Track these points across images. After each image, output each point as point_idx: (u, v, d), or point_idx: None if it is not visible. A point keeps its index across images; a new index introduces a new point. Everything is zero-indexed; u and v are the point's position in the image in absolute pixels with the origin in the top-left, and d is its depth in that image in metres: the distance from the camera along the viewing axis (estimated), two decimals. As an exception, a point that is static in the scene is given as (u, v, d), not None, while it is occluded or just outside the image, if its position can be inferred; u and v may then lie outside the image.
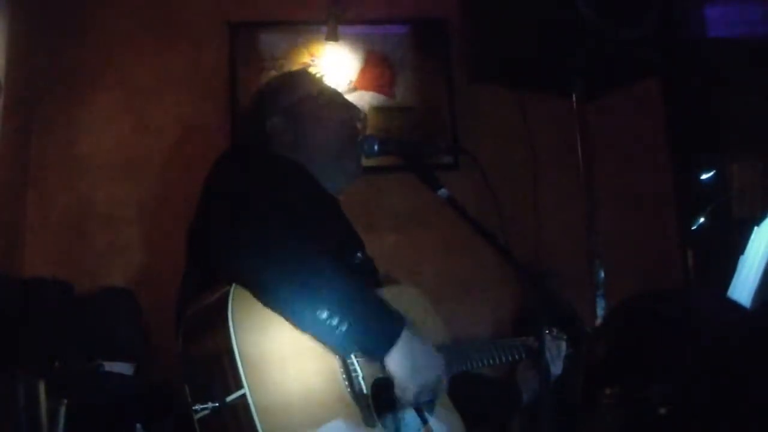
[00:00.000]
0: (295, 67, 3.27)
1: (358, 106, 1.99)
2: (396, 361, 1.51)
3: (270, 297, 1.44)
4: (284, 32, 3.37)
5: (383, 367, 1.54)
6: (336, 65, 3.35)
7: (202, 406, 1.38)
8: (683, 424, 1.26)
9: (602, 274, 2.66)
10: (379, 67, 3.40)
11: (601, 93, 2.87)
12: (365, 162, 1.94)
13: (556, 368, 1.91)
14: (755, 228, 1.84)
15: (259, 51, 3.33)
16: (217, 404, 1.37)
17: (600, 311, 2.63)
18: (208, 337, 1.43)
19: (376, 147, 1.84)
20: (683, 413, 1.26)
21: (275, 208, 1.53)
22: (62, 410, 2.03)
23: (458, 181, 2.03)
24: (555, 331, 1.97)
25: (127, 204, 3.15)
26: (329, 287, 1.46)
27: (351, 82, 3.36)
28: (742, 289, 1.78)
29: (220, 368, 1.38)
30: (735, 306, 1.65)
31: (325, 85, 1.99)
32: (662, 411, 1.27)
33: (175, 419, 1.57)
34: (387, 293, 1.67)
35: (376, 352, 1.51)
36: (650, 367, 1.33)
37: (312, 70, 2.12)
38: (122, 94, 3.26)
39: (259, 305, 1.44)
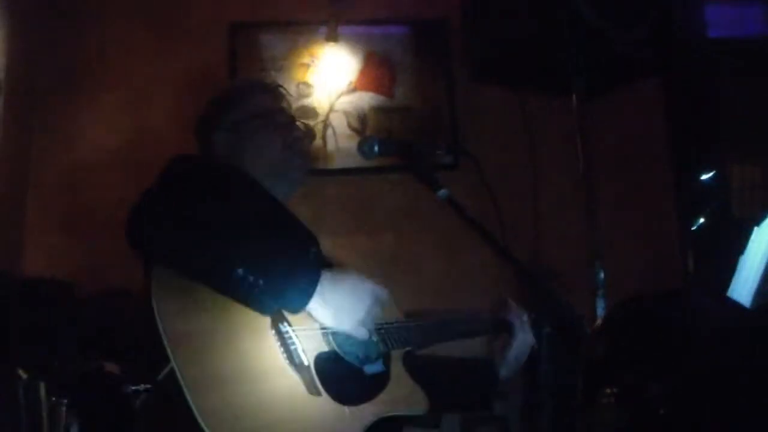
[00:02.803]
0: (296, 71, 3.29)
1: (303, 124, 2.00)
2: (319, 311, 1.54)
3: (188, 263, 1.47)
4: (284, 32, 3.37)
5: (327, 341, 1.57)
6: (336, 65, 3.35)
7: (134, 388, 1.40)
8: (683, 424, 1.26)
9: (602, 274, 2.66)
10: (379, 68, 3.40)
11: (601, 93, 2.86)
12: (365, 163, 1.94)
13: (528, 336, 1.95)
14: (755, 228, 1.83)
15: (259, 51, 3.33)
16: (149, 386, 1.38)
17: (600, 311, 2.63)
18: (138, 323, 1.46)
19: (376, 148, 1.84)
20: (683, 413, 1.26)
21: (202, 195, 1.58)
22: (62, 410, 2.03)
23: (458, 181, 2.03)
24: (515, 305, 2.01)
25: (127, 204, 3.13)
26: (243, 247, 1.49)
27: (351, 82, 3.37)
28: (742, 289, 1.77)
29: (150, 350, 1.39)
30: (735, 306, 1.65)
31: (273, 103, 1.98)
32: (662, 411, 1.27)
33: (116, 408, 1.58)
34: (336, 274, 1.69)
35: (294, 304, 1.53)
36: (650, 367, 1.33)
37: (265, 81, 2.09)
38: (122, 94, 3.26)
39: (183, 287, 1.45)
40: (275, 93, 2.00)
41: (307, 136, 2.00)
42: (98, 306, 2.79)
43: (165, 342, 1.35)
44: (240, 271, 1.45)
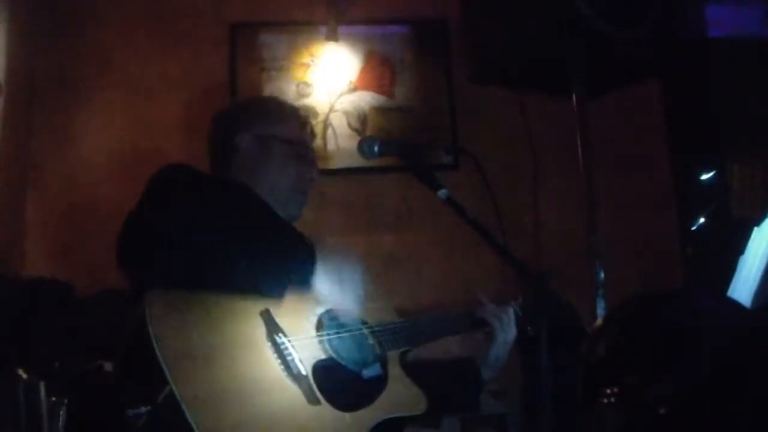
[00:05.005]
0: (296, 71, 3.29)
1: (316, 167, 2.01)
2: (327, 287, 1.63)
3: (190, 269, 1.49)
4: (284, 32, 3.37)
5: (324, 348, 1.59)
6: (336, 65, 3.35)
7: (135, 412, 1.39)
8: (683, 424, 1.26)
9: (602, 274, 2.66)
10: (379, 67, 3.40)
11: (601, 93, 2.86)
12: (365, 163, 1.94)
13: (509, 334, 1.93)
14: (755, 228, 1.83)
15: (259, 51, 3.33)
16: (150, 407, 1.37)
17: (600, 311, 2.63)
18: (132, 344, 1.44)
19: (376, 148, 1.84)
20: (683, 413, 1.26)
21: (193, 201, 1.62)
22: (62, 410, 2.03)
23: (458, 181, 2.03)
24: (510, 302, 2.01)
25: (127, 204, 3.12)
26: (242, 241, 1.55)
27: (351, 82, 3.37)
28: (742, 289, 1.77)
29: (147, 371, 1.37)
30: (735, 306, 1.65)
31: (303, 136, 1.99)
32: (662, 411, 1.27)
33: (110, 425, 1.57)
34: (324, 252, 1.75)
35: (305, 279, 1.61)
36: (650, 367, 1.33)
37: (299, 111, 2.09)
38: (122, 94, 3.26)
39: (176, 305, 1.45)
40: (308, 128, 2.01)
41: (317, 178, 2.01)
42: (98, 306, 2.79)
43: (162, 363, 1.35)
44: (243, 263, 1.50)
